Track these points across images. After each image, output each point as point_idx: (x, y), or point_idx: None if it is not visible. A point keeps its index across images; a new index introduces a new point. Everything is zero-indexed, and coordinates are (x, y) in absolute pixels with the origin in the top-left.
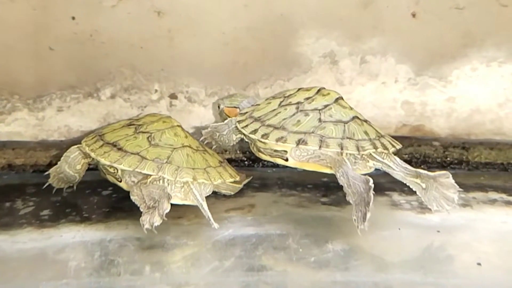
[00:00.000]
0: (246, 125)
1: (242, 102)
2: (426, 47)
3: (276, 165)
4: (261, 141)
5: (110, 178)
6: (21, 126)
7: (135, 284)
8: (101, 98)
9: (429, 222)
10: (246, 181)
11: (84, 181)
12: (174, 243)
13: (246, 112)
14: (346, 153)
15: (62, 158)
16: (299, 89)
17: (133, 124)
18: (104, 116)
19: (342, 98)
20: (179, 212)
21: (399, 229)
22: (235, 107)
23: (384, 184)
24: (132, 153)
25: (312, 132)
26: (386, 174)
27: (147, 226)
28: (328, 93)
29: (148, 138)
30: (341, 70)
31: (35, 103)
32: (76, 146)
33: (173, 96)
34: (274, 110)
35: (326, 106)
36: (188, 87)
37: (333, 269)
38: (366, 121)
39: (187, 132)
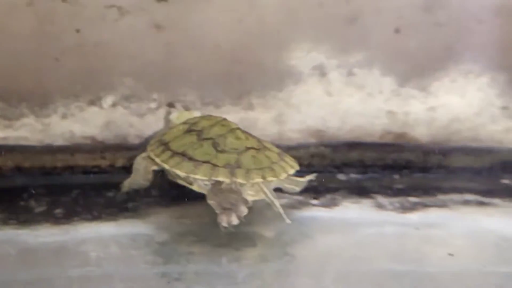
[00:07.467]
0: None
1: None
2: (408, 61)
3: None
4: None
5: (181, 182)
6: (28, 131)
7: (150, 272)
8: (103, 106)
9: (409, 221)
10: (310, 177)
11: (88, 184)
12: (180, 240)
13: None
14: None
15: (133, 171)
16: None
17: (193, 130)
18: (105, 123)
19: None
20: (180, 212)
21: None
22: None
23: (371, 188)
24: (203, 162)
25: None
26: (373, 178)
27: (224, 224)
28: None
29: (213, 144)
30: (330, 81)
31: (42, 110)
32: (141, 157)
33: (171, 105)
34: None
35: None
36: (185, 96)
37: None
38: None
39: (246, 132)
